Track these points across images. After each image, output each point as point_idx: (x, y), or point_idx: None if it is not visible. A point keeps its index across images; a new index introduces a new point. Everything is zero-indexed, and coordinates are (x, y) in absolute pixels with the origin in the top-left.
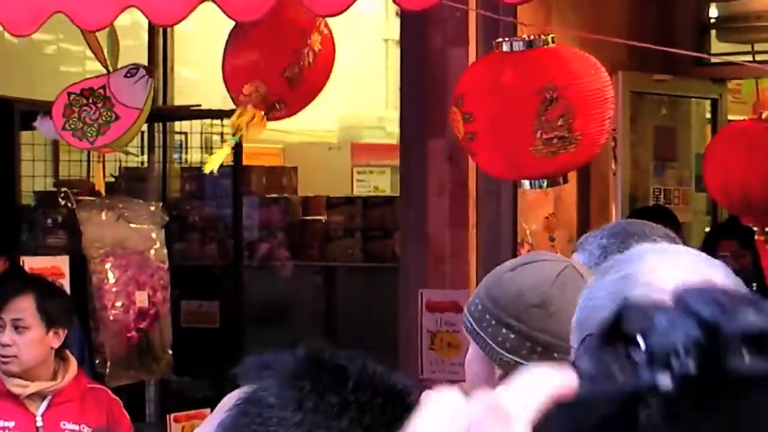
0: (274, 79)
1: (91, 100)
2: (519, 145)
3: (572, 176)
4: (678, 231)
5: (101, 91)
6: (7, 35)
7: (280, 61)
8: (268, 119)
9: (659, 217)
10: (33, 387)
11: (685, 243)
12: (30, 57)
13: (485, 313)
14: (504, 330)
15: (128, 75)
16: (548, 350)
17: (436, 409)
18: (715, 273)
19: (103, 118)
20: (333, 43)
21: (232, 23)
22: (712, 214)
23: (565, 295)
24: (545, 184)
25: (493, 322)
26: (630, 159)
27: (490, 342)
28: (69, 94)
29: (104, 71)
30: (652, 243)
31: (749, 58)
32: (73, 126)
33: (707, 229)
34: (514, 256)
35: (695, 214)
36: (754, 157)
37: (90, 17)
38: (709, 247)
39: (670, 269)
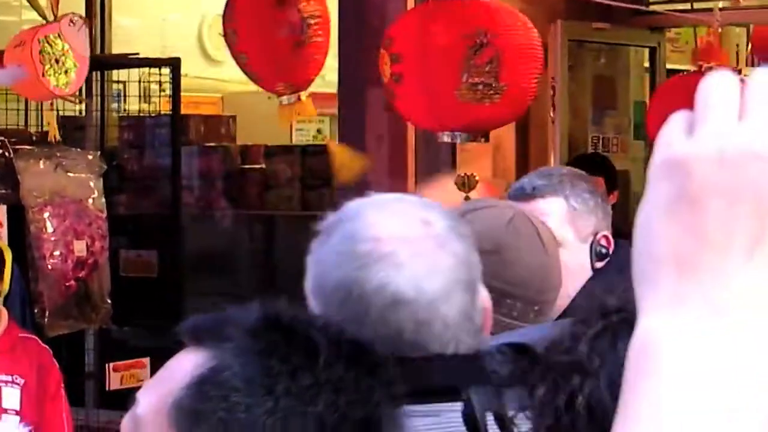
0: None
1: (58, 48)
2: (444, 87)
3: (510, 126)
4: (614, 178)
5: (59, 39)
6: None
7: (284, 53)
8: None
9: (596, 164)
10: None
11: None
12: None
13: None
14: None
15: (70, 24)
16: (501, 296)
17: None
18: (432, 215)
19: (69, 66)
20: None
21: None
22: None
23: (519, 241)
24: (461, 138)
25: None
26: (569, 107)
27: None
28: (39, 41)
29: (40, 20)
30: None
31: (687, 6)
32: (52, 72)
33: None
34: None
35: (633, 161)
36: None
37: None
38: None
39: (388, 219)
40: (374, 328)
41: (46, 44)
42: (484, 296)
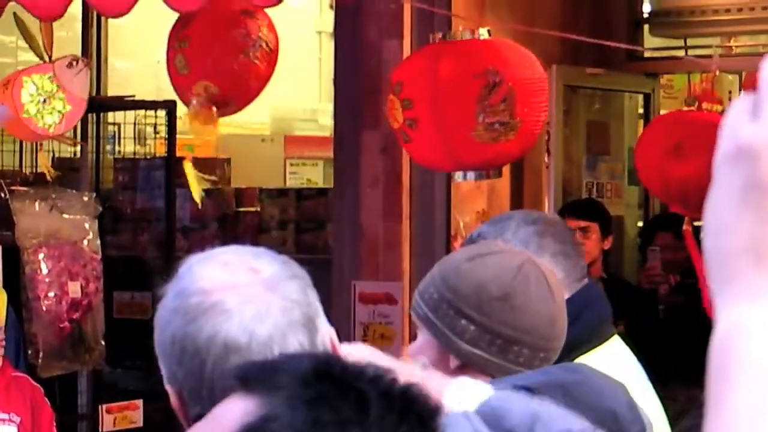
0: (222, 76)
1: (43, 88)
2: (461, 129)
3: (505, 169)
4: (609, 224)
5: (50, 80)
6: None
7: (227, 58)
8: (219, 115)
9: (590, 210)
10: None
11: (609, 236)
12: None
13: (442, 302)
14: (463, 321)
15: (69, 66)
16: (509, 343)
17: None
18: (260, 261)
19: (58, 107)
20: (276, 35)
21: (165, 14)
22: (644, 207)
23: (528, 288)
24: (476, 176)
25: (452, 312)
26: (563, 152)
27: (447, 332)
28: (25, 80)
29: (38, 61)
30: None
31: (682, 53)
32: (33, 112)
33: (640, 223)
34: (448, 248)
35: (627, 207)
36: (690, 148)
37: (43, 7)
38: (646, 239)
39: (216, 270)
40: (212, 379)
41: (32, 84)
42: (326, 332)
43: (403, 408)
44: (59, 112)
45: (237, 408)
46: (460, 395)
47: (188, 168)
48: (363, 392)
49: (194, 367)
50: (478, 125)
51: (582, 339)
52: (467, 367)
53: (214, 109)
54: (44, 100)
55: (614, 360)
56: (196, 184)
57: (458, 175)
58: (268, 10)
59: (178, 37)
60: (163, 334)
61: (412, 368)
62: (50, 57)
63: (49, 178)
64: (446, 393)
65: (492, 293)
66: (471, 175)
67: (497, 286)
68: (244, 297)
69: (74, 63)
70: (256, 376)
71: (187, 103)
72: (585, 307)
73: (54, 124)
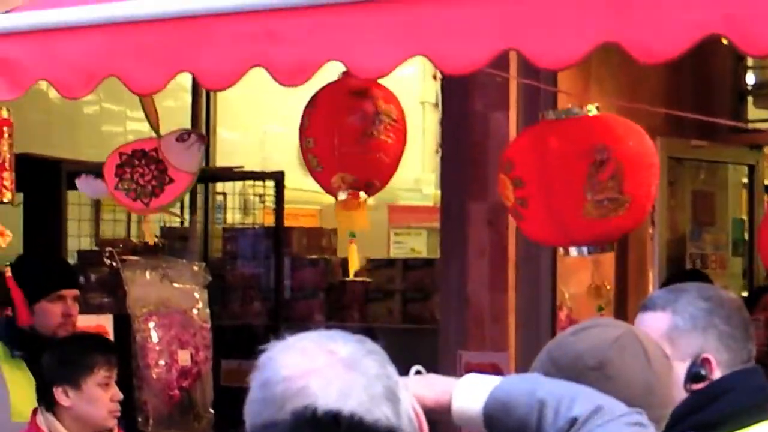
0: (352, 163)
1: (143, 162)
2: (570, 207)
3: None
4: None
5: (153, 153)
6: (50, 95)
7: (350, 146)
8: (369, 196)
9: (695, 281)
10: None
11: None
12: (71, 117)
13: (545, 375)
14: None
15: (179, 140)
16: None
17: None
18: (335, 343)
19: (157, 181)
20: (398, 104)
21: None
22: (748, 278)
23: (624, 358)
24: (589, 251)
25: None
26: (668, 223)
27: None
28: (120, 154)
29: (144, 130)
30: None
31: None
32: (126, 187)
33: (744, 294)
34: (553, 319)
35: (731, 278)
36: None
37: (143, 81)
38: (752, 304)
39: (295, 357)
40: None
41: (133, 158)
42: (408, 402)
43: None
44: (161, 186)
45: None
46: (469, 391)
47: (353, 251)
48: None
49: None
50: (588, 203)
51: (713, 423)
52: None
53: (361, 194)
54: (141, 174)
55: None
56: (356, 262)
57: (573, 251)
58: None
59: (304, 136)
60: (255, 425)
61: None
62: (157, 131)
63: (151, 243)
64: (455, 392)
65: (588, 363)
66: (585, 250)
67: (592, 356)
68: (326, 379)
69: (186, 137)
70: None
71: (334, 196)
72: (727, 392)
73: (150, 197)
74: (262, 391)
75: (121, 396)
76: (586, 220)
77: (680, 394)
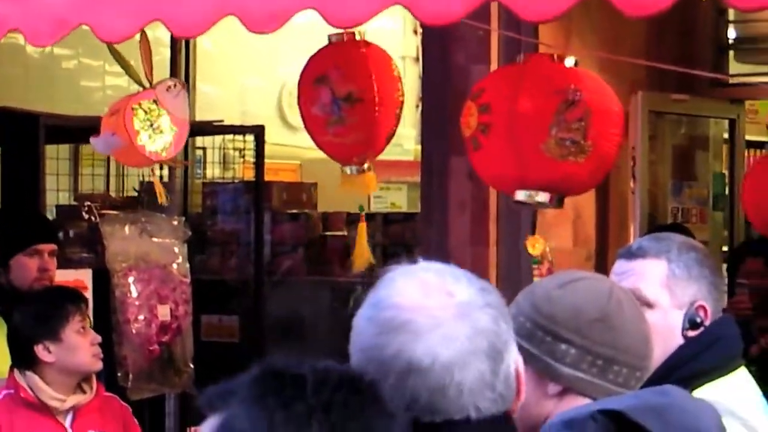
0: (334, 147)
1: (154, 114)
2: (532, 140)
3: (591, 195)
4: None
5: (155, 104)
6: (28, 49)
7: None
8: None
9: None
10: (71, 401)
11: None
12: (49, 71)
13: (537, 329)
14: (563, 345)
15: (168, 89)
16: (609, 363)
17: None
18: (457, 285)
19: (166, 131)
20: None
21: (250, 39)
22: (729, 232)
23: (622, 309)
24: (537, 198)
25: (549, 338)
26: (648, 178)
27: (546, 357)
28: (134, 108)
29: (124, 85)
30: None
31: (766, 79)
32: (146, 139)
33: (725, 248)
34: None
35: (713, 232)
36: None
37: (113, 30)
38: (733, 265)
39: (413, 288)
40: (391, 392)
41: (140, 110)
42: (513, 363)
43: (338, 381)
44: (168, 134)
45: (205, 428)
46: None
47: (362, 230)
48: (300, 374)
49: (377, 377)
50: (550, 138)
51: (707, 370)
52: (567, 391)
53: (365, 166)
54: (152, 125)
55: (736, 389)
56: (365, 249)
57: (520, 194)
58: None
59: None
60: (355, 340)
61: None
62: (151, 82)
63: (162, 203)
64: None
65: (590, 315)
66: (533, 195)
67: (594, 308)
68: (435, 320)
69: (172, 86)
70: (216, 396)
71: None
72: (718, 339)
73: (165, 148)
74: (370, 310)
75: (99, 338)
76: (545, 157)
77: (675, 342)
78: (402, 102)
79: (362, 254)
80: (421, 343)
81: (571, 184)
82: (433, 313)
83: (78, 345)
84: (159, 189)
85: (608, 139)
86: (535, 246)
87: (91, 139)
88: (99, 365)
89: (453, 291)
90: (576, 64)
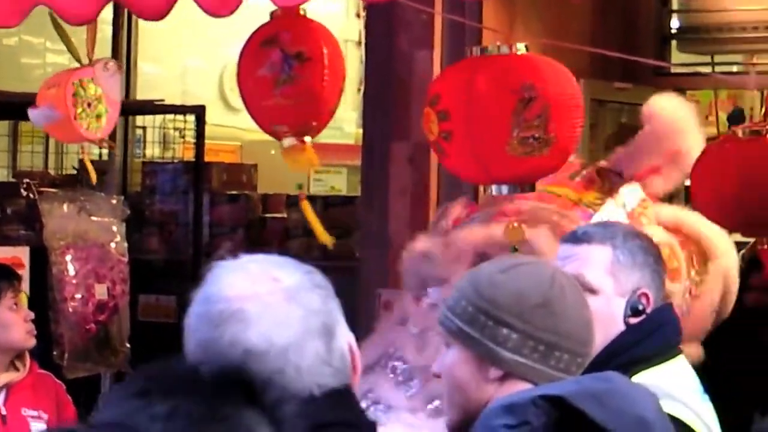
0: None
1: (91, 92)
2: (494, 143)
3: None
4: None
5: (92, 83)
6: None
7: (266, 99)
8: (312, 136)
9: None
10: (3, 378)
11: None
12: None
13: (479, 313)
14: (505, 330)
15: (105, 68)
16: (551, 349)
17: None
18: (282, 271)
19: (100, 111)
20: (316, 40)
21: (193, 19)
22: None
23: (564, 295)
24: (509, 190)
25: (491, 322)
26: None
27: (488, 342)
28: (74, 83)
29: (65, 63)
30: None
31: (709, 69)
32: (84, 116)
33: None
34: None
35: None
36: (749, 172)
37: (74, 11)
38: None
39: (239, 279)
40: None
41: (80, 87)
42: (344, 340)
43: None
44: (102, 115)
45: None
46: None
47: (307, 208)
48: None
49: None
50: (512, 139)
51: (649, 356)
52: (508, 376)
53: (306, 139)
54: (89, 104)
55: (675, 375)
56: (320, 226)
57: (493, 189)
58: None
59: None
60: (189, 338)
61: None
62: (91, 59)
63: (94, 182)
64: None
65: (532, 300)
66: (504, 189)
67: (536, 293)
68: (264, 306)
69: (108, 66)
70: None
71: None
72: (659, 327)
73: (99, 127)
74: (201, 306)
75: (32, 315)
76: (509, 156)
77: (617, 328)
78: (345, 75)
79: (322, 231)
80: (254, 329)
81: (537, 175)
82: (263, 300)
83: (11, 322)
84: (90, 168)
85: (569, 125)
86: (514, 233)
87: (29, 111)
88: (32, 342)
89: (278, 277)
90: (527, 50)
